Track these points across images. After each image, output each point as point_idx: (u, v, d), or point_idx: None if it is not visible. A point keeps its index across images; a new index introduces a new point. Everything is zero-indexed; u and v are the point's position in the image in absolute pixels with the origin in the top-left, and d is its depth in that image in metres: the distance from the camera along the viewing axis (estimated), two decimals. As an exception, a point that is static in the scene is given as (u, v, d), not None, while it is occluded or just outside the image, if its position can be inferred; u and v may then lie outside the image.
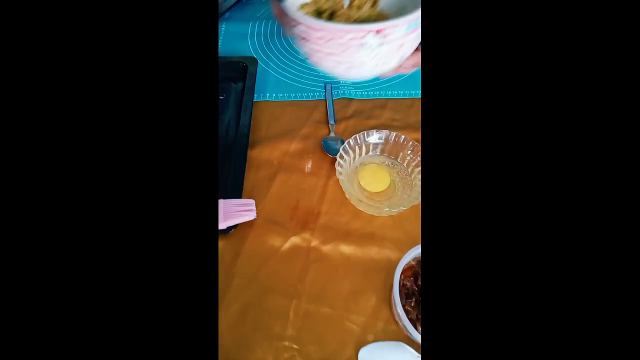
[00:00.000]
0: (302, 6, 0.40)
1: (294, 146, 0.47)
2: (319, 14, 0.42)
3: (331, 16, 0.40)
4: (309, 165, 0.45)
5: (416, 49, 0.33)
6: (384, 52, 0.31)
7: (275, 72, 0.56)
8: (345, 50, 0.30)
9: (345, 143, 0.42)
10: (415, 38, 0.32)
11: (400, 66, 0.34)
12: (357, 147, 0.43)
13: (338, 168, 0.40)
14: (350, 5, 0.43)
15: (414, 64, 0.34)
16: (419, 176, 0.41)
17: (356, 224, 0.40)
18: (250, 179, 0.44)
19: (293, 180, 0.44)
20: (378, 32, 0.29)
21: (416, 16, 0.30)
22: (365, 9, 0.43)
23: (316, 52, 0.33)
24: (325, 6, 0.41)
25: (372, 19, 0.40)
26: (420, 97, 0.52)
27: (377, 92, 0.53)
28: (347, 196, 0.40)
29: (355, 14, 0.41)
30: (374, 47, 0.30)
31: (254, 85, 0.50)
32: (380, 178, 0.42)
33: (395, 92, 0.53)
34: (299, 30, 0.31)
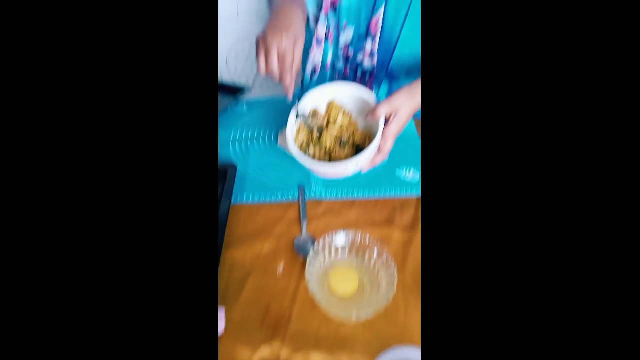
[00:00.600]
0: (298, 131, 0.56)
1: (267, 247, 0.49)
2: (310, 132, 0.52)
3: (320, 133, 0.52)
4: (281, 268, 0.47)
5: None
6: (361, 165, 0.49)
7: (253, 175, 0.61)
8: (337, 171, 0.50)
9: (313, 247, 0.44)
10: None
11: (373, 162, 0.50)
12: (326, 248, 0.46)
13: (307, 274, 0.41)
14: (329, 121, 0.53)
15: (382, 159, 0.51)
16: (385, 277, 0.43)
17: (327, 329, 0.40)
18: (223, 281, 0.44)
19: (265, 283, 0.45)
20: (356, 161, 0.47)
21: (379, 140, 0.47)
22: (340, 119, 0.53)
23: (317, 173, 0.53)
24: (313, 124, 0.53)
25: (346, 125, 0.53)
26: (381, 196, 0.58)
27: (345, 193, 0.58)
28: (317, 302, 0.40)
29: (334, 128, 0.52)
30: (355, 166, 0.48)
31: (232, 190, 0.55)
32: (349, 280, 0.44)
33: (361, 192, 0.58)
34: (307, 164, 0.49)
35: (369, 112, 0.48)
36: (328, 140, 0.52)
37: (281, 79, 0.48)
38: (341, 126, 0.56)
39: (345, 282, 0.43)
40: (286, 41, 0.45)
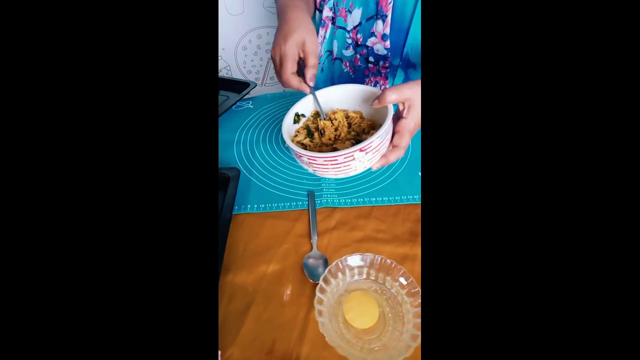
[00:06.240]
0: (298, 130, 0.47)
1: (273, 267, 0.40)
2: (310, 133, 0.44)
3: (322, 131, 0.46)
4: (288, 292, 0.38)
5: (390, 141, 0.41)
6: (368, 157, 0.38)
7: (258, 181, 0.53)
8: (340, 165, 0.38)
9: (323, 278, 0.35)
10: (388, 139, 0.40)
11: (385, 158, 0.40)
12: (338, 275, 0.37)
13: (317, 307, 0.33)
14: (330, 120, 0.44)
15: (396, 156, 0.41)
16: (412, 309, 0.33)
17: (342, 373, 0.32)
18: (222, 311, 0.37)
19: (269, 312, 0.36)
20: (361, 150, 0.36)
21: (386, 127, 0.37)
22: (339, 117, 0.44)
23: (317, 170, 0.40)
24: (314, 125, 0.45)
25: (342, 121, 0.46)
26: (403, 202, 0.48)
27: (361, 200, 0.49)
28: (328, 342, 0.32)
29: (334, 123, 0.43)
30: (361, 158, 0.38)
31: (234, 199, 0.46)
32: (368, 310, 0.35)
33: (380, 199, 0.49)
34: (305, 159, 0.39)
35: (375, 98, 0.40)
36: (327, 133, 0.44)
37: (293, 84, 0.44)
38: (340, 121, 0.46)
39: (362, 315, 0.34)
40: (290, 48, 0.43)
